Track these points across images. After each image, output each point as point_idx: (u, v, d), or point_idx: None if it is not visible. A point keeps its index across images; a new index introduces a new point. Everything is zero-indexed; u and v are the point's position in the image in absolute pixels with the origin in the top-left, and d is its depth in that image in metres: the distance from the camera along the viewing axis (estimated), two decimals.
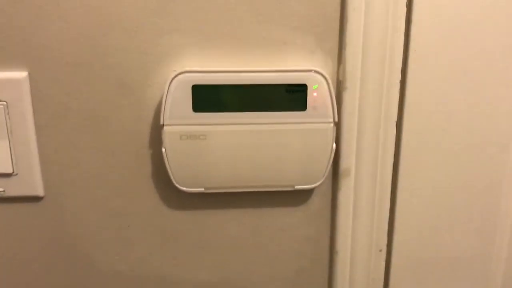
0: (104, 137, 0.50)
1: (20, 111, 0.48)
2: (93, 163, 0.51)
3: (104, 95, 0.49)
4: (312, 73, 0.48)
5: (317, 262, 0.58)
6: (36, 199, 0.52)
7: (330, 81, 0.48)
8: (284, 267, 0.57)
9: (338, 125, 0.51)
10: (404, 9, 0.48)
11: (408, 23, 0.49)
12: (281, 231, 0.56)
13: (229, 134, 0.49)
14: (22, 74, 0.48)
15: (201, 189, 0.51)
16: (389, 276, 0.57)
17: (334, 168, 0.53)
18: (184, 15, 0.47)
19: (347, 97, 0.50)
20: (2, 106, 0.48)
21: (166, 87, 0.46)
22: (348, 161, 0.53)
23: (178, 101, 0.47)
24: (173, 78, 0.46)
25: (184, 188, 0.50)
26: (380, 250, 0.57)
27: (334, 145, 0.50)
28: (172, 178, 0.50)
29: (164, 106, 0.47)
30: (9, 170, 0.50)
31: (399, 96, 0.51)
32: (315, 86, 0.48)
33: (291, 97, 0.48)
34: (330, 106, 0.49)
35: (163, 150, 0.48)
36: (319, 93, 0.48)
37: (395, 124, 0.52)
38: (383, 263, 0.57)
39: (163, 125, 0.47)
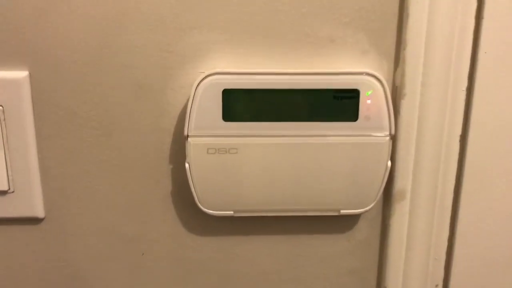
0: (116, 149, 0.47)
1: (19, 117, 0.45)
2: (103, 180, 0.48)
3: (117, 100, 0.45)
4: (365, 77, 0.43)
5: None
6: (35, 220, 0.49)
7: (386, 86, 0.43)
8: None
9: (393, 138, 0.46)
10: (475, 4, 0.44)
11: (479, 19, 0.44)
12: (321, 262, 0.52)
13: (265, 148, 0.44)
14: (21, 74, 0.44)
15: (230, 213, 0.47)
16: None
17: (386, 190, 0.48)
18: (213, 7, 0.43)
19: (405, 105, 0.45)
20: None
21: (192, 92, 0.43)
22: (403, 182, 0.48)
23: (206, 108, 0.43)
24: (200, 81, 0.42)
25: (210, 211, 0.46)
26: (436, 286, 0.52)
27: (389, 162, 0.45)
28: (196, 199, 0.46)
29: (189, 114, 0.43)
30: (5, 187, 0.46)
31: (465, 106, 0.46)
32: (368, 92, 0.43)
33: (340, 104, 0.44)
34: (386, 116, 0.44)
35: (187, 165, 0.44)
36: (373, 101, 0.43)
37: (459, 138, 0.47)
38: None
39: (187, 136, 0.44)
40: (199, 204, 0.46)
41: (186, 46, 0.44)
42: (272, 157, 0.44)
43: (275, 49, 0.44)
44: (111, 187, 0.48)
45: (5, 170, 0.45)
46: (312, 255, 0.51)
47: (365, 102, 0.43)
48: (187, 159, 0.44)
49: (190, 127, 0.43)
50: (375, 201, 0.46)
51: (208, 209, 0.46)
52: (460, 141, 0.47)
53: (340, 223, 0.50)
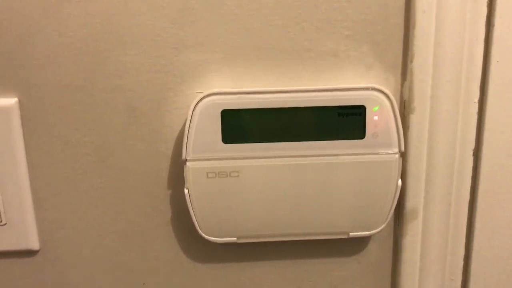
0: (112, 176, 0.45)
1: (9, 145, 0.43)
2: (99, 208, 0.46)
3: (111, 124, 0.44)
4: (371, 92, 0.42)
5: None
6: (29, 253, 0.47)
7: (394, 101, 0.42)
8: None
9: (403, 155, 0.44)
10: (485, 11, 0.42)
11: (489, 27, 0.42)
12: (331, 287, 0.50)
13: (268, 170, 0.43)
14: (10, 101, 0.43)
15: (233, 239, 0.45)
16: None
17: (397, 209, 0.47)
18: (209, 24, 0.42)
19: (414, 120, 0.44)
20: None
21: (189, 113, 0.41)
22: (415, 200, 0.46)
23: (204, 130, 0.42)
24: (197, 102, 0.41)
25: (212, 238, 0.45)
26: None
27: (400, 181, 0.43)
28: (197, 225, 0.44)
29: (187, 137, 0.42)
30: None
31: (477, 119, 0.45)
32: (375, 108, 0.42)
33: (345, 122, 0.42)
34: (394, 132, 0.42)
35: (186, 191, 0.43)
36: (380, 117, 0.42)
37: (472, 153, 0.46)
38: None
39: (185, 160, 0.42)
40: (200, 231, 0.44)
41: (182, 65, 0.42)
42: (275, 179, 0.43)
43: (275, 66, 0.43)
44: (108, 216, 0.46)
45: None
46: (321, 280, 0.49)
47: (372, 119, 0.41)
48: (186, 184, 0.42)
49: (188, 151, 0.42)
50: (386, 222, 0.44)
51: (210, 236, 0.44)
52: (473, 155, 0.46)
53: (349, 246, 0.48)
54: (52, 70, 0.42)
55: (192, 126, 0.41)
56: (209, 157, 0.42)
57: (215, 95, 0.41)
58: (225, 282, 0.49)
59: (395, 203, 0.44)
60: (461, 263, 0.49)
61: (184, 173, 0.42)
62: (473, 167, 0.46)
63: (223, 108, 0.41)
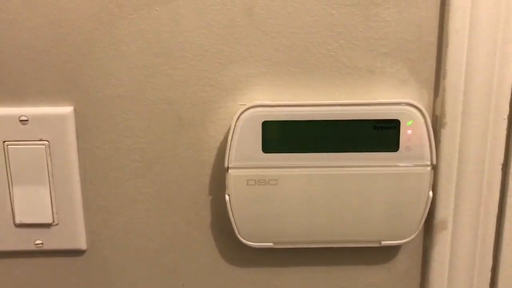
0: (158, 181, 0.47)
1: (64, 151, 0.45)
2: (144, 212, 0.47)
3: (159, 133, 0.45)
4: (405, 107, 0.43)
5: None
6: (77, 252, 0.48)
7: (427, 116, 0.42)
8: None
9: (434, 168, 0.44)
10: None
11: None
12: None
13: (305, 179, 0.44)
14: (66, 110, 0.44)
15: (270, 244, 0.46)
16: None
17: (427, 220, 0.47)
18: (252, 41, 0.43)
19: (445, 135, 0.44)
20: (43, 146, 0.44)
21: (233, 124, 0.43)
22: (445, 212, 0.46)
23: (246, 140, 0.43)
24: (240, 114, 0.42)
25: (249, 243, 0.46)
26: None
27: (431, 192, 0.44)
28: (235, 230, 0.45)
29: (230, 146, 0.43)
30: (49, 220, 0.46)
31: (506, 135, 0.45)
32: (409, 122, 0.43)
33: (380, 135, 0.43)
34: (427, 146, 0.43)
35: (227, 197, 0.44)
36: (414, 131, 0.43)
37: (500, 167, 0.46)
38: None
39: (227, 168, 0.43)
40: (238, 236, 0.45)
41: (226, 79, 0.44)
42: (312, 188, 0.44)
43: (313, 80, 0.44)
44: (152, 219, 0.47)
45: (49, 204, 0.45)
46: (353, 286, 0.50)
47: (406, 132, 0.42)
48: (227, 191, 0.44)
49: (231, 159, 0.43)
50: (417, 232, 0.45)
51: (247, 241, 0.45)
52: (502, 169, 0.46)
53: (380, 254, 0.49)
54: (106, 81, 0.43)
55: (234, 136, 0.42)
56: (250, 166, 0.43)
57: (257, 107, 0.42)
58: (260, 285, 0.50)
59: (426, 214, 0.44)
60: (488, 274, 0.49)
61: (226, 180, 0.43)
62: (501, 180, 0.46)
63: (264, 120, 0.42)
